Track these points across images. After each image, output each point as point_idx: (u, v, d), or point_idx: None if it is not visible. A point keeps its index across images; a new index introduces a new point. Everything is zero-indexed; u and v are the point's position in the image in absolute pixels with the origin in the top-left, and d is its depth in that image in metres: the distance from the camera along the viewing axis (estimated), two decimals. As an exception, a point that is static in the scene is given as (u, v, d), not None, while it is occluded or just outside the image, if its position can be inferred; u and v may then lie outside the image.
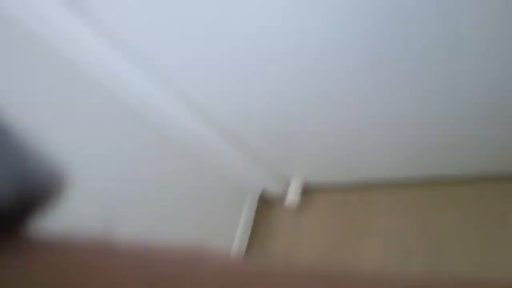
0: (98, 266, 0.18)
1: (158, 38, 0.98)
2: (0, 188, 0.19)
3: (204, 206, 1.31)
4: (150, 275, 0.17)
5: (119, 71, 1.07)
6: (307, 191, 1.41)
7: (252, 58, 0.99)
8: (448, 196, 1.17)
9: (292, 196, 1.38)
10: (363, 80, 0.98)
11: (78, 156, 1.04)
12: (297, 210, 1.39)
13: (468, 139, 1.05)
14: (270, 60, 0.99)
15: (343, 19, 0.84)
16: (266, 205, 1.48)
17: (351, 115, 1.09)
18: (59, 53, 1.00)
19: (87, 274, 0.17)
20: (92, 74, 1.06)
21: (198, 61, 1.03)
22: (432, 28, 0.81)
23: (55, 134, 0.97)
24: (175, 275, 0.18)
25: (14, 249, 0.19)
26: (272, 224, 1.43)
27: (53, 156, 0.23)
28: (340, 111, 1.09)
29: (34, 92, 0.97)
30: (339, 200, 1.35)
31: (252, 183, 1.43)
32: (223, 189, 1.38)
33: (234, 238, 1.37)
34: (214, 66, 1.03)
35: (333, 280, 0.18)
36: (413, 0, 0.77)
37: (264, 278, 0.18)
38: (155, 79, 1.10)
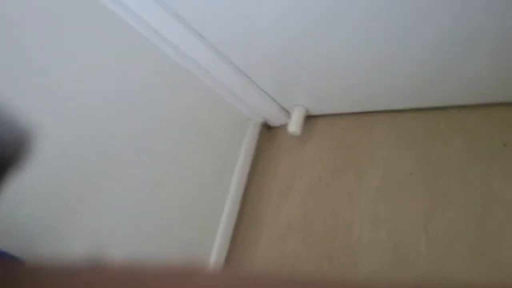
0: (92, 286, 0.18)
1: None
2: None
3: (206, 134, 1.31)
4: None
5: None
6: (310, 120, 1.40)
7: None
8: (451, 124, 1.15)
9: (294, 124, 1.37)
10: (369, 9, 0.93)
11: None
12: (299, 138, 1.39)
13: (471, 67, 1.02)
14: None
15: None
16: (268, 133, 1.48)
17: (353, 45, 1.06)
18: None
19: None
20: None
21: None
22: None
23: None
24: None
25: (10, 277, 0.19)
26: (273, 152, 1.44)
27: (18, 116, 0.23)
28: (343, 41, 1.05)
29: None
30: (341, 128, 1.34)
31: (254, 112, 1.42)
32: (224, 117, 1.37)
33: (235, 166, 1.38)
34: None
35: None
36: None
37: None
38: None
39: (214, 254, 1.26)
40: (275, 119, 1.46)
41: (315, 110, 1.40)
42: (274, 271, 0.19)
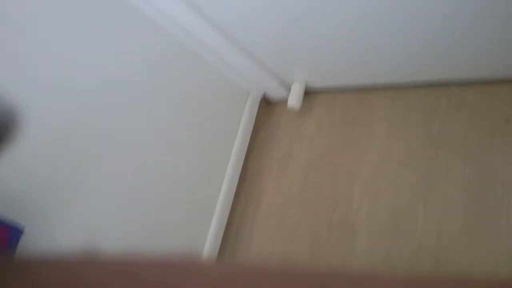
0: (86, 278, 0.18)
1: None
2: None
3: (204, 107, 1.30)
4: (136, 283, 0.18)
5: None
6: (309, 95, 1.40)
7: None
8: (451, 100, 1.16)
9: (294, 99, 1.37)
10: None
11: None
12: (298, 113, 1.39)
13: (474, 41, 1.02)
14: None
15: None
16: (267, 108, 1.48)
17: (354, 17, 1.05)
18: None
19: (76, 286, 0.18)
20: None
21: None
22: None
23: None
24: (160, 282, 0.18)
25: (4, 269, 0.19)
26: (272, 126, 1.43)
27: (4, 94, 0.23)
28: (344, 13, 1.04)
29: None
30: (341, 104, 1.34)
31: (254, 86, 1.42)
32: (223, 91, 1.36)
33: (235, 139, 1.37)
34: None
35: (318, 280, 0.18)
36: None
37: (248, 283, 0.18)
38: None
39: (213, 227, 1.26)
40: (275, 93, 1.46)
41: (314, 85, 1.39)
42: (268, 263, 0.19)
